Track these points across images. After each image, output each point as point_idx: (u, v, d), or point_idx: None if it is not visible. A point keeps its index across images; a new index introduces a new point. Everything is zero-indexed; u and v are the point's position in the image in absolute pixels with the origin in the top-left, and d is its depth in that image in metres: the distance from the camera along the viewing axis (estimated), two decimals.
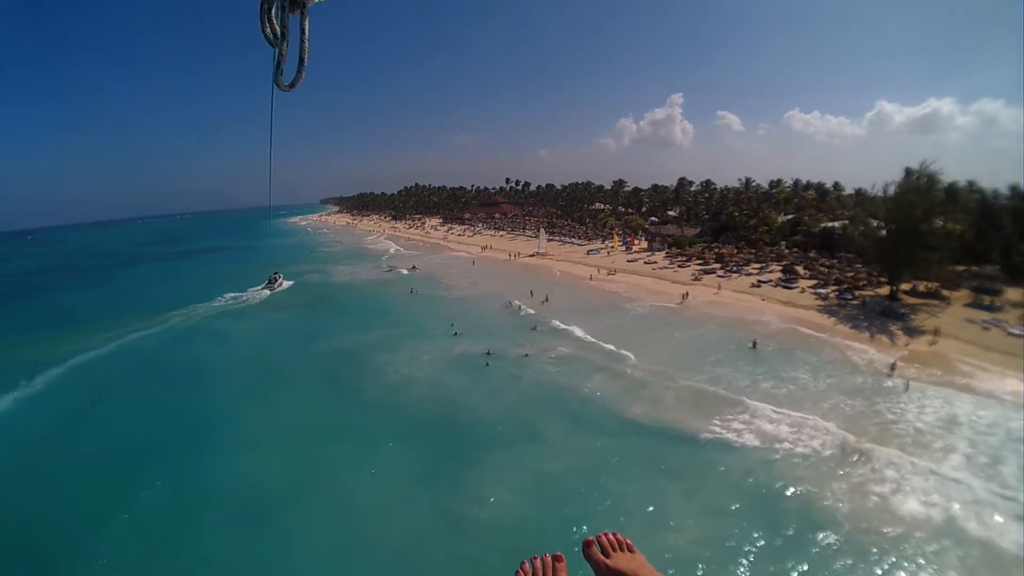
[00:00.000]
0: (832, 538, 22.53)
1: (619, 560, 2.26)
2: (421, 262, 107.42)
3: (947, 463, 27.89)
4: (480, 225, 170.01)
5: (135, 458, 32.48)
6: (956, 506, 24.20)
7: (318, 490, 28.23)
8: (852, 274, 67.18)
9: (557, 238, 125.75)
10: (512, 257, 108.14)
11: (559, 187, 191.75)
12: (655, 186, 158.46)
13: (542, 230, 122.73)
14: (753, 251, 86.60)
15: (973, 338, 45.55)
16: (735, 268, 78.15)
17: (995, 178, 69.70)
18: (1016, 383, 36.66)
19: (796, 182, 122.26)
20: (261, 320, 66.57)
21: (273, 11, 2.70)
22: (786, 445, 30.05)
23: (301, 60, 2.70)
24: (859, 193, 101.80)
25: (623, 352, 46.23)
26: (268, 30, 2.73)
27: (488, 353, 46.57)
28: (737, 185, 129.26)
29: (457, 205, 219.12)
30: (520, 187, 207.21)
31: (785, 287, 66.21)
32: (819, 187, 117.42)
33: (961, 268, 60.26)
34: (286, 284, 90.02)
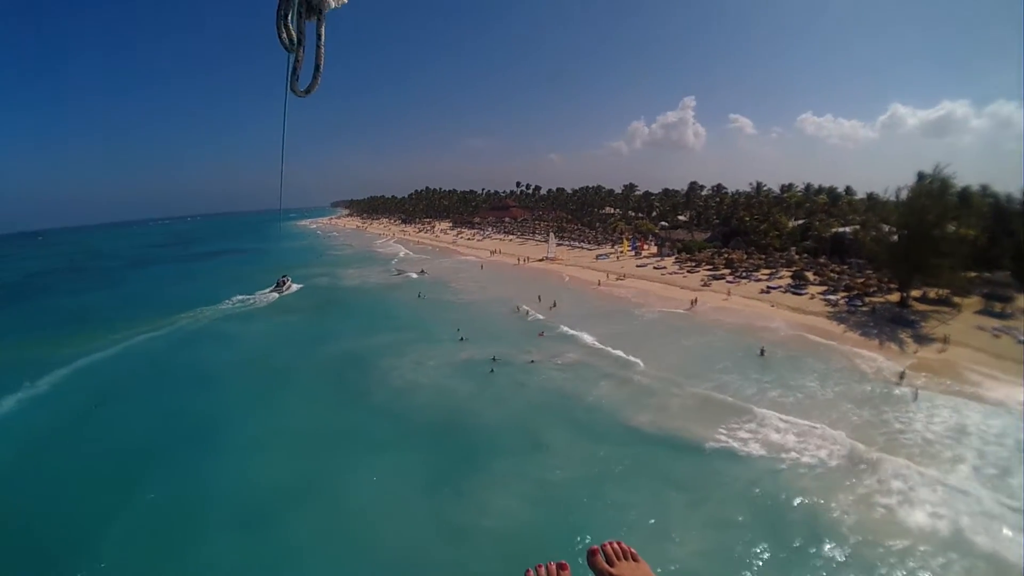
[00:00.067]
0: (838, 551, 22.27)
1: (623, 569, 2.26)
2: (430, 266, 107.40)
3: (955, 474, 27.54)
4: (490, 229, 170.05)
5: (139, 460, 32.65)
6: (964, 518, 23.86)
7: (322, 495, 28.22)
8: (862, 280, 66.60)
9: (566, 243, 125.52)
10: (521, 261, 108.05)
11: (569, 191, 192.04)
12: (666, 190, 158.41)
13: (551, 234, 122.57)
14: (763, 257, 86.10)
15: (983, 346, 45.01)
16: (744, 274, 77.73)
17: (1009, 181, 68.75)
18: None
19: (808, 186, 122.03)
20: (268, 323, 66.84)
21: (290, 17, 2.65)
22: (793, 455, 29.76)
23: (317, 66, 2.70)
24: (871, 197, 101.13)
25: (630, 359, 46.01)
26: (284, 36, 2.67)
27: (494, 359, 46.45)
28: (748, 189, 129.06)
29: (467, 209, 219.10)
30: (530, 191, 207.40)
31: (795, 293, 65.78)
32: (831, 191, 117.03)
33: (972, 274, 59.57)
34: (295, 287, 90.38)
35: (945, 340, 46.50)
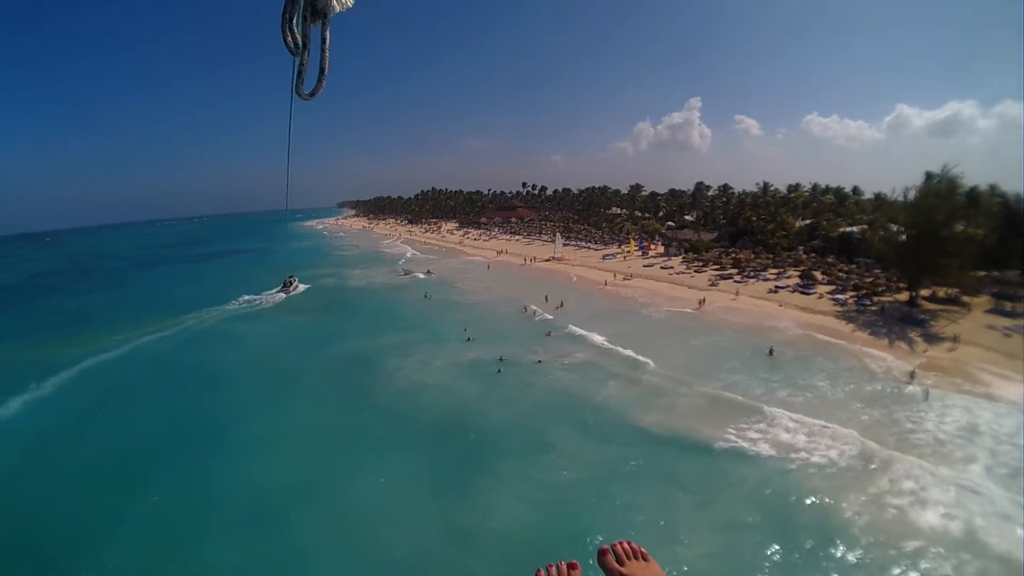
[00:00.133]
0: (850, 553, 22.05)
1: (633, 569, 2.28)
2: (436, 266, 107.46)
3: (967, 474, 27.29)
4: (496, 229, 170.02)
5: (145, 460, 32.69)
6: (977, 519, 23.62)
7: (326, 496, 28.11)
8: (871, 280, 66.28)
9: (573, 243, 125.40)
10: (527, 262, 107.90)
11: (576, 191, 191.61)
12: (672, 190, 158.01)
13: (558, 235, 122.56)
14: (771, 256, 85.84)
15: (994, 345, 44.70)
16: (752, 273, 77.47)
17: (1016, 181, 68.20)
18: None
19: (815, 186, 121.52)
20: (275, 323, 66.86)
21: (295, 21, 2.65)
22: (803, 455, 29.55)
23: (321, 70, 2.69)
24: (878, 197, 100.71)
25: (639, 358, 45.85)
26: (290, 39, 2.67)
27: (501, 359, 46.30)
28: (755, 190, 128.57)
29: (473, 209, 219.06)
30: (537, 191, 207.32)
31: (803, 293, 65.51)
32: (838, 191, 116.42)
33: (982, 273, 59.22)
34: (301, 288, 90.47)
35: (955, 339, 46.24)
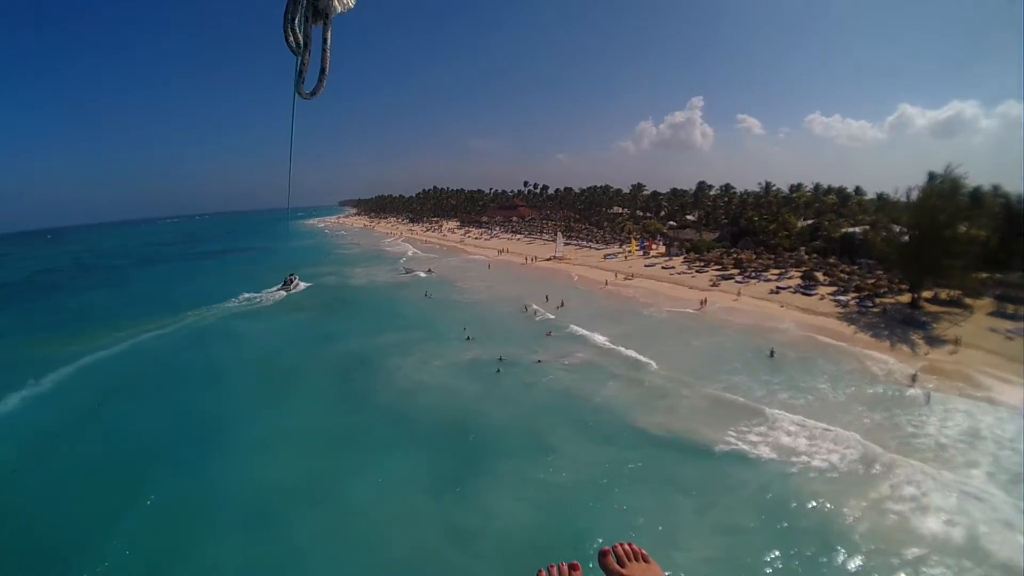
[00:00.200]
0: (850, 561, 21.82)
1: (634, 570, 2.29)
2: (437, 265, 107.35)
3: (969, 479, 27.05)
4: (497, 228, 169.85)
5: (143, 458, 32.69)
6: (979, 525, 23.39)
7: (325, 496, 27.99)
8: (872, 281, 66.03)
9: (574, 242, 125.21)
10: (528, 261, 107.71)
11: (577, 190, 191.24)
12: (674, 190, 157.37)
13: (559, 234, 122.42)
14: (772, 257, 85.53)
15: (996, 348, 44.43)
16: (754, 274, 77.28)
17: (1019, 182, 67.82)
18: None
19: (817, 186, 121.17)
20: (275, 321, 66.83)
21: (296, 21, 2.70)
22: (804, 458, 29.34)
23: (322, 69, 2.73)
24: (881, 198, 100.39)
25: (640, 359, 45.68)
26: (291, 39, 2.72)
27: (500, 359, 46.11)
28: (757, 189, 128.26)
29: (475, 208, 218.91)
30: (538, 190, 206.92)
31: (804, 294, 65.28)
32: (840, 191, 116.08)
33: (984, 275, 58.97)
34: (302, 285, 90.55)
35: (956, 342, 45.98)
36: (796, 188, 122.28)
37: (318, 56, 2.70)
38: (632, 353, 46.98)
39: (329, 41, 2.70)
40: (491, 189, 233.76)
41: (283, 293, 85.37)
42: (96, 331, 62.02)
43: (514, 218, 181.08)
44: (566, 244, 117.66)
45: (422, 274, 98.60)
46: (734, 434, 32.09)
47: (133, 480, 30.18)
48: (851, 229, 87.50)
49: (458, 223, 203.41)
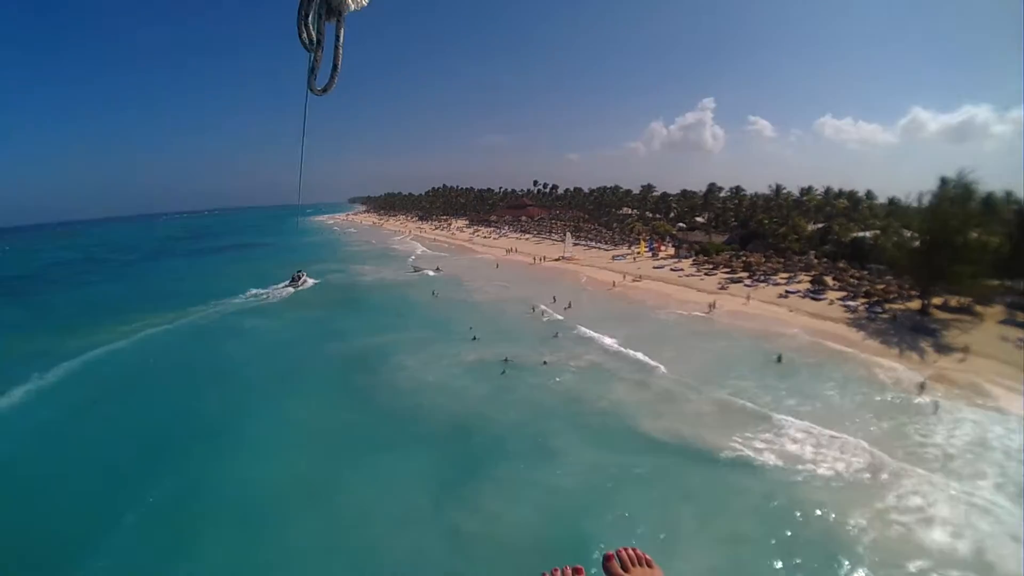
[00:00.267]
0: (854, 572, 21.64)
1: (638, 575, 2.26)
2: (445, 264, 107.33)
3: (977, 490, 26.78)
4: (506, 228, 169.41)
5: (144, 455, 32.84)
6: (986, 538, 23.15)
7: (325, 496, 28.02)
8: (882, 286, 65.55)
9: (583, 243, 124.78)
10: (537, 261, 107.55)
11: (587, 191, 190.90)
12: (684, 191, 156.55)
13: (568, 234, 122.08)
14: (782, 260, 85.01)
15: (1007, 357, 43.95)
16: (763, 277, 76.81)
17: None
18: None
19: (827, 190, 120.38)
20: (282, 318, 67.02)
21: (310, 18, 2.72)
22: (809, 466, 29.15)
23: (335, 66, 2.75)
24: (892, 202, 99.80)
25: (648, 362, 45.49)
26: (304, 36, 2.75)
27: (506, 360, 46.03)
28: (767, 192, 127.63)
29: (484, 207, 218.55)
30: (548, 190, 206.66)
31: (813, 298, 64.86)
32: (851, 195, 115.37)
33: (996, 283, 58.48)
34: (310, 282, 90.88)
35: (966, 350, 45.59)
36: (807, 191, 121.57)
37: (331, 53, 2.73)
38: (640, 356, 46.77)
39: (342, 38, 2.73)
40: (501, 188, 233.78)
41: (291, 290, 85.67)
42: (103, 325, 62.37)
43: (523, 217, 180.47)
44: (575, 244, 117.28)
45: (431, 272, 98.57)
46: (740, 440, 31.90)
47: (134, 476, 30.33)
48: (861, 233, 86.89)
49: (467, 222, 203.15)
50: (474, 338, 52.92)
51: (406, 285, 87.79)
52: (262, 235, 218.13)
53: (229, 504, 27.64)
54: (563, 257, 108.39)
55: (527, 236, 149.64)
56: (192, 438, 34.88)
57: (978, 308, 56.42)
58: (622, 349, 49.06)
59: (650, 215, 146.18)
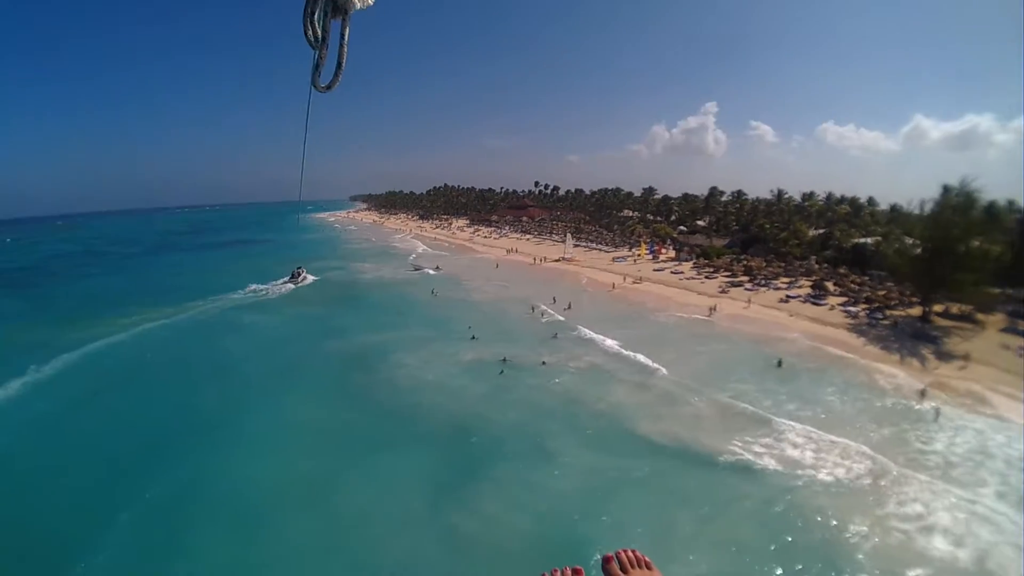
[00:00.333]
0: None
1: None
2: (445, 263, 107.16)
3: (978, 498, 26.61)
4: (507, 228, 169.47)
5: (139, 451, 32.52)
6: (986, 546, 22.98)
7: (321, 495, 27.77)
8: (883, 293, 65.45)
9: (583, 244, 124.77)
10: (537, 261, 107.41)
11: (588, 192, 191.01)
12: (685, 195, 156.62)
13: (568, 235, 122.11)
14: (782, 265, 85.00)
15: (1008, 365, 43.79)
16: (763, 282, 76.67)
17: None
18: None
19: (829, 196, 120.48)
20: (280, 314, 66.85)
21: (316, 15, 2.69)
22: (809, 472, 28.95)
23: (339, 64, 2.74)
24: (894, 209, 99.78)
25: (648, 364, 45.31)
26: (310, 33, 2.71)
27: (504, 360, 45.83)
28: (769, 197, 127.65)
29: (485, 207, 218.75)
30: (549, 191, 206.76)
31: (814, 303, 64.71)
32: (853, 202, 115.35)
33: (997, 291, 58.34)
34: (310, 279, 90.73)
35: (966, 358, 45.45)
36: (808, 197, 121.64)
37: (335, 51, 2.71)
38: (640, 358, 46.58)
39: (347, 36, 2.70)
40: (502, 188, 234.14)
41: (291, 286, 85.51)
42: (102, 318, 62.22)
43: (524, 218, 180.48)
44: (575, 246, 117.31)
45: (431, 271, 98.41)
46: (740, 444, 31.71)
47: (131, 471, 30.11)
48: (863, 240, 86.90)
49: (468, 221, 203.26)
50: (473, 337, 52.70)
51: (406, 283, 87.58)
52: (263, 231, 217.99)
53: (226, 501, 27.43)
54: (563, 258, 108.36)
55: (528, 237, 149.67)
56: (190, 433, 34.69)
57: (979, 316, 56.31)
58: (622, 351, 48.87)
59: (651, 218, 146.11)
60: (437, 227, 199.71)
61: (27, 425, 36.55)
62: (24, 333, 57.33)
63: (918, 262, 60.42)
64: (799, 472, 28.90)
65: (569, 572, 2.10)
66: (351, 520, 25.77)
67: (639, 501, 26.77)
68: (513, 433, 33.87)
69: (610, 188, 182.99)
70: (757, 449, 31.21)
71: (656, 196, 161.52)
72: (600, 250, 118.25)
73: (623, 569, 2.27)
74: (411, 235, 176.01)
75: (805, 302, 65.60)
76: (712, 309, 63.33)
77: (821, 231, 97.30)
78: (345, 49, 2.71)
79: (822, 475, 28.63)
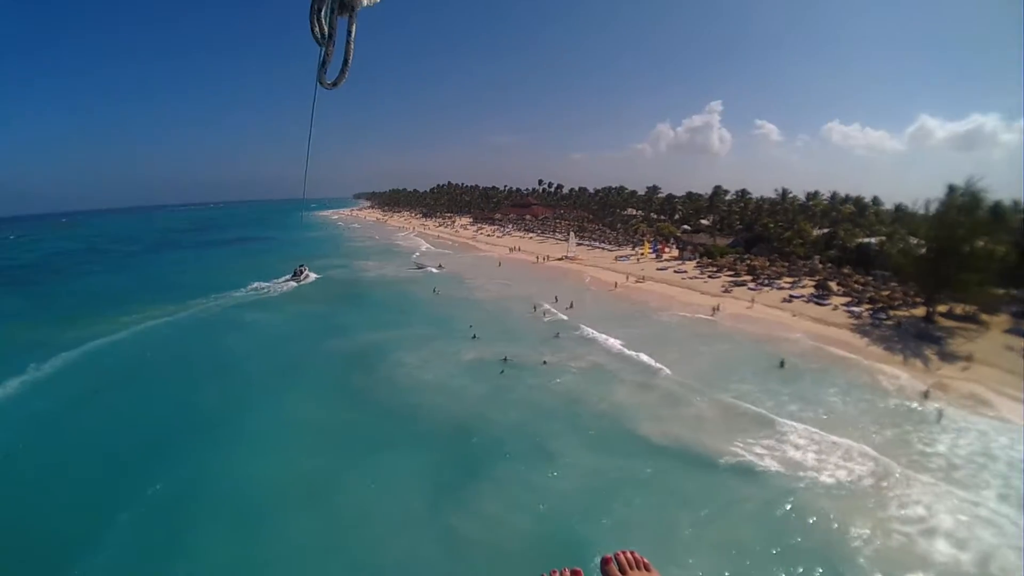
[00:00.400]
0: None
1: None
2: (448, 261, 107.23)
3: (980, 500, 26.45)
4: (510, 226, 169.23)
5: (139, 450, 32.52)
6: (988, 549, 22.83)
7: (321, 495, 27.75)
8: (887, 293, 65.19)
9: (587, 242, 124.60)
10: (540, 260, 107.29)
11: (591, 191, 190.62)
12: (689, 194, 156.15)
13: (572, 234, 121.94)
14: (786, 264, 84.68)
15: (1012, 367, 43.52)
16: (767, 281, 76.40)
17: None
18: None
19: (833, 195, 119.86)
20: (283, 312, 66.94)
21: (323, 12, 2.70)
22: (811, 473, 28.80)
23: (345, 61, 2.75)
24: (898, 209, 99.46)
25: (651, 364, 45.19)
26: (316, 30, 2.73)
27: (505, 359, 45.76)
28: (773, 196, 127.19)
29: (488, 205, 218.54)
30: (552, 189, 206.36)
31: (817, 303, 64.47)
32: (857, 201, 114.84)
33: (1001, 291, 58.04)
34: (312, 277, 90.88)
35: (970, 359, 45.22)
36: (813, 196, 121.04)
37: (342, 48, 2.71)
38: (643, 357, 46.45)
39: (354, 33, 2.71)
40: (505, 186, 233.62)
41: (293, 284, 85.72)
42: (104, 316, 62.39)
43: (527, 216, 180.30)
44: (579, 244, 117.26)
45: (433, 270, 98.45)
46: (741, 445, 31.59)
47: (132, 469, 30.13)
48: (867, 239, 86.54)
49: (471, 219, 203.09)
50: (474, 336, 52.62)
51: (408, 282, 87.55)
52: (265, 229, 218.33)
53: (227, 500, 27.41)
54: (566, 257, 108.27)
55: (531, 235, 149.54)
56: (191, 432, 34.69)
57: (983, 317, 56.05)
58: (624, 350, 48.73)
59: (655, 216, 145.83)
60: (440, 225, 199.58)
61: (27, 424, 36.57)
62: (25, 331, 57.44)
63: (922, 262, 60.16)
64: (801, 474, 28.76)
65: (568, 573, 2.10)
66: (351, 520, 25.73)
67: (640, 502, 26.68)
68: (514, 433, 33.78)
69: (614, 187, 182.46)
70: (759, 450, 31.08)
71: (660, 195, 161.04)
72: (603, 249, 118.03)
73: (622, 571, 2.29)
74: (414, 233, 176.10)
75: (808, 302, 65.38)
76: (715, 309, 63.21)
77: (825, 231, 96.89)
78: (352, 46, 2.71)
79: (824, 477, 28.48)
